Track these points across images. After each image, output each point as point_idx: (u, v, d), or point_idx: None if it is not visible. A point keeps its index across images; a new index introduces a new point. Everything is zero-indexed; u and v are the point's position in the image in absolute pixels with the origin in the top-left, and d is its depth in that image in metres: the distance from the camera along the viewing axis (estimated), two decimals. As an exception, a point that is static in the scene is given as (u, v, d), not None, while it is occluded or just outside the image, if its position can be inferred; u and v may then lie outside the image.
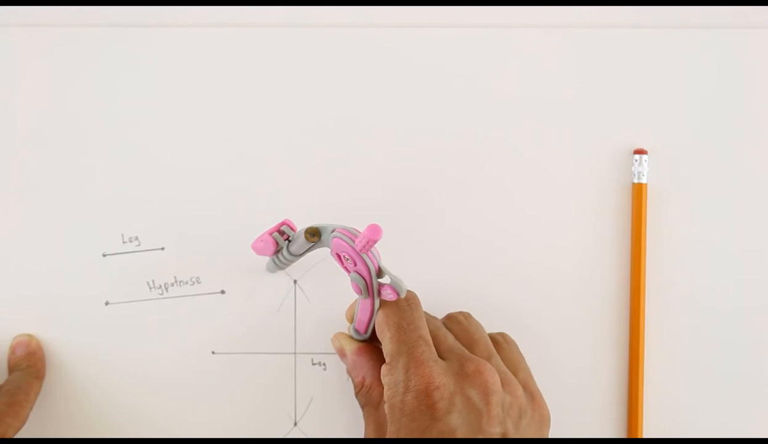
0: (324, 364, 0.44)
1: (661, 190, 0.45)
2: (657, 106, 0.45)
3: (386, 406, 0.37)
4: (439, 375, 0.37)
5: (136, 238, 0.45)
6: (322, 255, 0.44)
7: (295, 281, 0.44)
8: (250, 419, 0.44)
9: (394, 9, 0.46)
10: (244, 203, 0.45)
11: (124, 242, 0.45)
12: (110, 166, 0.45)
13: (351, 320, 0.41)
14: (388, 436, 0.37)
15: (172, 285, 0.44)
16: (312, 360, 0.44)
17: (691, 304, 0.45)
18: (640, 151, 0.44)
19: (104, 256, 0.44)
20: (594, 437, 0.44)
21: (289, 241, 0.40)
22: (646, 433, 0.44)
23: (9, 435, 0.40)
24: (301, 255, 0.40)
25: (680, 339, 0.44)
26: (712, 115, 0.45)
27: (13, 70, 0.45)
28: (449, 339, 0.39)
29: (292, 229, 0.40)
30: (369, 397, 0.40)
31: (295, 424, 0.44)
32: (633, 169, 0.44)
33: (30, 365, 0.43)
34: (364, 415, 0.40)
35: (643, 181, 0.44)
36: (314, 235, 0.38)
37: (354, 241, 0.36)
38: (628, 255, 0.44)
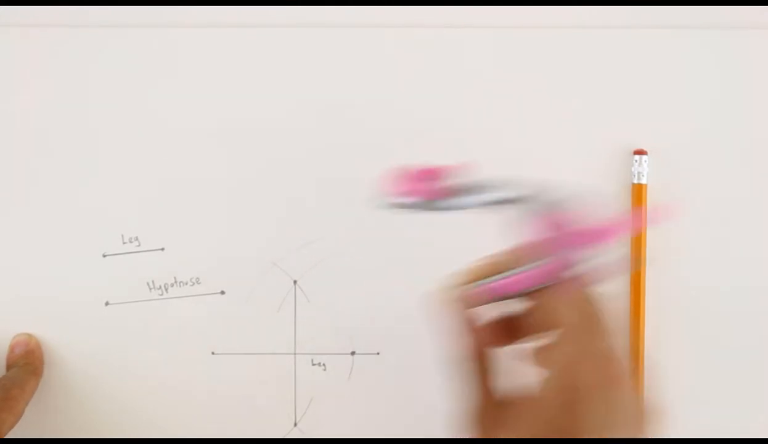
0: (324, 364, 0.44)
1: (660, 190, 0.45)
2: (657, 106, 0.45)
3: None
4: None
5: (136, 239, 0.45)
6: (322, 255, 0.44)
7: (295, 281, 0.44)
8: (250, 419, 0.44)
9: (394, 9, 0.46)
10: (244, 203, 0.45)
11: (124, 242, 0.45)
12: (110, 166, 0.45)
13: (484, 275, 0.36)
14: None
15: (172, 285, 0.44)
16: (312, 360, 0.44)
17: (691, 304, 0.45)
18: (640, 152, 0.44)
19: (104, 256, 0.44)
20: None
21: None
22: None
23: (4, 430, 0.40)
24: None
25: (680, 339, 0.44)
26: (712, 115, 0.45)
27: (13, 70, 0.45)
28: None
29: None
30: (478, 366, 0.35)
31: (295, 424, 0.44)
32: (633, 169, 0.44)
33: (27, 363, 0.43)
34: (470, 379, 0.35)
35: (643, 181, 0.44)
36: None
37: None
38: (628, 255, 0.45)
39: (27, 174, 0.45)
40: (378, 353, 0.44)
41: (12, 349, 0.44)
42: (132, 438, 0.42)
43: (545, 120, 0.45)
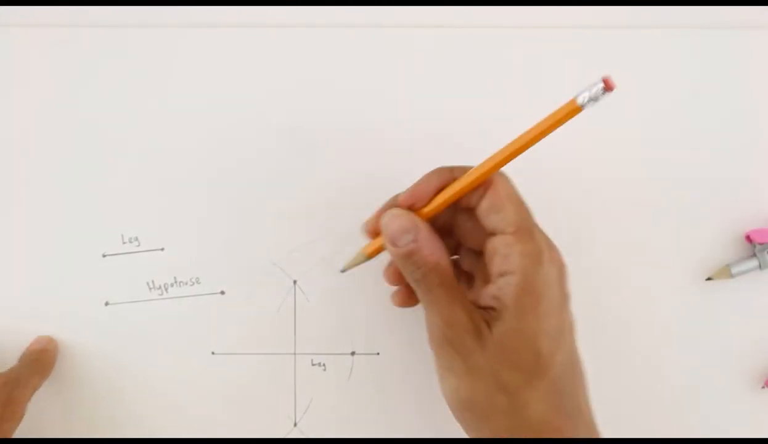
0: (324, 364, 0.44)
1: (660, 190, 0.45)
2: (657, 106, 0.46)
3: (515, 278, 0.34)
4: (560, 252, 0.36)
5: (136, 239, 0.45)
6: (322, 255, 0.44)
7: (295, 281, 0.44)
8: (250, 419, 0.44)
9: (395, 9, 0.46)
10: (244, 203, 0.45)
11: (124, 242, 0.44)
12: (110, 166, 0.45)
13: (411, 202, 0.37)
14: (515, 309, 0.34)
15: (172, 285, 0.44)
16: (312, 360, 0.44)
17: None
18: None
19: (104, 256, 0.44)
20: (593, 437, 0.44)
21: None
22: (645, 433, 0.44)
23: (8, 435, 0.40)
24: None
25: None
26: (711, 116, 0.46)
27: (13, 70, 0.45)
28: None
29: None
30: (445, 276, 0.36)
31: (295, 424, 0.44)
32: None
33: (37, 359, 0.43)
34: (437, 295, 0.35)
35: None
36: None
37: None
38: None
39: (27, 174, 0.45)
40: (378, 353, 0.44)
41: (30, 344, 0.44)
42: (132, 438, 0.42)
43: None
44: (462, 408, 0.35)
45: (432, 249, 0.36)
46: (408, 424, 0.44)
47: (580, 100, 0.31)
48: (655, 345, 0.44)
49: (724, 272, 0.44)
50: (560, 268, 0.36)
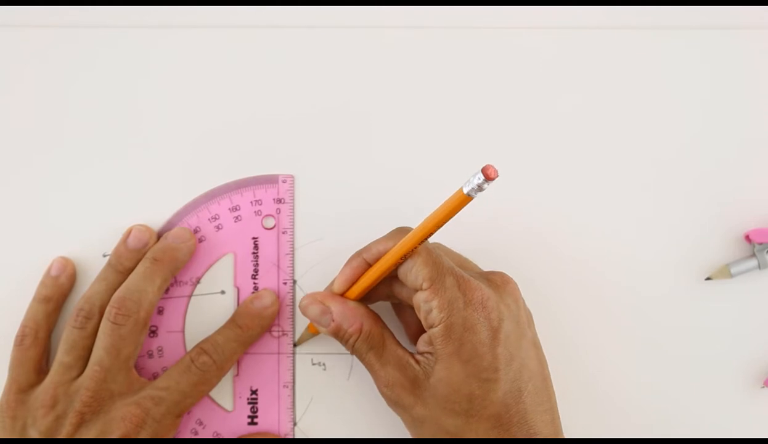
0: (324, 364, 0.44)
1: (659, 189, 0.45)
2: (657, 106, 0.46)
3: (437, 331, 0.37)
4: (485, 288, 0.37)
5: (136, 239, 0.44)
6: (322, 255, 0.44)
7: (295, 281, 0.44)
8: (251, 419, 0.44)
9: (394, 9, 0.46)
10: (244, 203, 0.45)
11: (124, 242, 0.44)
12: (110, 165, 0.45)
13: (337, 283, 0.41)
14: (442, 359, 0.37)
15: (172, 285, 0.44)
16: (312, 360, 0.44)
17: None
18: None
19: (104, 256, 0.44)
20: (593, 437, 0.44)
21: None
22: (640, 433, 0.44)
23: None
24: None
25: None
26: (711, 115, 0.46)
27: (12, 71, 0.45)
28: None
29: None
30: (372, 341, 0.39)
31: (295, 424, 0.44)
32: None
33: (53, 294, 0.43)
34: (370, 361, 0.39)
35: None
36: None
37: None
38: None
39: (26, 174, 0.45)
40: (378, 353, 0.44)
41: (48, 270, 0.44)
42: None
43: (544, 120, 0.45)
44: None
45: (351, 320, 0.39)
46: (408, 423, 0.44)
47: (466, 190, 0.33)
48: (655, 344, 0.44)
49: (724, 272, 0.44)
50: (483, 306, 0.37)
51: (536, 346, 0.39)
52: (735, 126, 0.45)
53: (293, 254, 0.44)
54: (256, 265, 0.44)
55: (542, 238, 0.45)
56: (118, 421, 0.38)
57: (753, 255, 0.44)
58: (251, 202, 0.45)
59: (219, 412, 0.43)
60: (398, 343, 0.39)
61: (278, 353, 0.44)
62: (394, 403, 0.39)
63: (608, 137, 0.45)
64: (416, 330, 0.41)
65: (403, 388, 0.38)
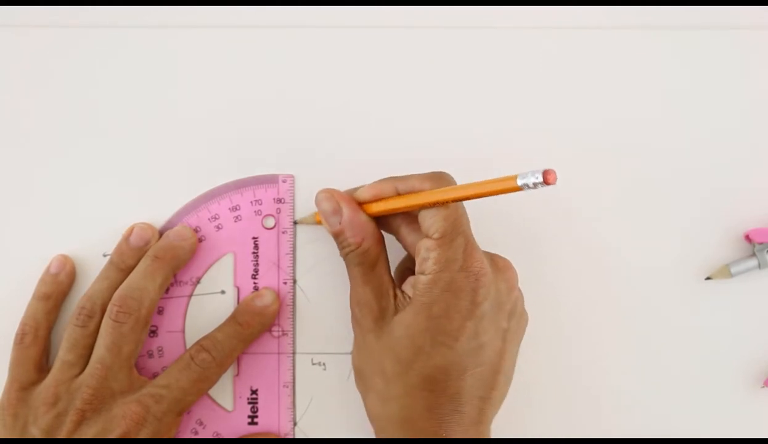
0: (324, 364, 0.44)
1: (659, 189, 0.45)
2: (657, 106, 0.46)
3: (424, 279, 0.37)
4: (486, 264, 0.38)
5: (136, 238, 0.44)
6: (322, 255, 0.44)
7: (295, 281, 0.44)
8: (251, 419, 0.44)
9: (394, 9, 0.46)
10: (244, 203, 0.45)
11: (124, 242, 0.44)
12: (110, 165, 0.45)
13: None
14: (414, 305, 0.38)
15: (172, 285, 0.44)
16: (312, 360, 0.44)
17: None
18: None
19: (104, 256, 0.44)
20: (591, 437, 0.44)
21: None
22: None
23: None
24: None
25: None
26: (711, 115, 0.46)
27: (12, 71, 0.45)
28: None
29: None
30: (365, 258, 0.39)
31: (295, 424, 0.44)
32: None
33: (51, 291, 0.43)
34: (354, 274, 0.40)
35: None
36: None
37: None
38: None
39: (27, 174, 0.45)
40: (378, 353, 0.44)
41: (47, 268, 0.44)
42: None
43: (543, 121, 0.45)
44: (354, 371, 0.41)
45: (356, 232, 0.39)
46: (408, 423, 0.44)
47: (520, 182, 0.33)
48: (655, 344, 0.44)
49: (724, 272, 0.44)
50: (477, 278, 0.37)
51: (505, 340, 0.39)
52: (735, 126, 0.46)
53: (293, 254, 0.44)
54: (257, 264, 0.44)
55: (541, 237, 0.45)
56: (118, 419, 0.39)
57: (753, 255, 0.44)
58: (251, 202, 0.45)
59: (219, 412, 0.43)
60: (388, 271, 0.40)
61: (278, 353, 0.44)
62: (356, 322, 0.40)
63: (608, 137, 0.45)
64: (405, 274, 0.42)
65: (371, 311, 0.39)
